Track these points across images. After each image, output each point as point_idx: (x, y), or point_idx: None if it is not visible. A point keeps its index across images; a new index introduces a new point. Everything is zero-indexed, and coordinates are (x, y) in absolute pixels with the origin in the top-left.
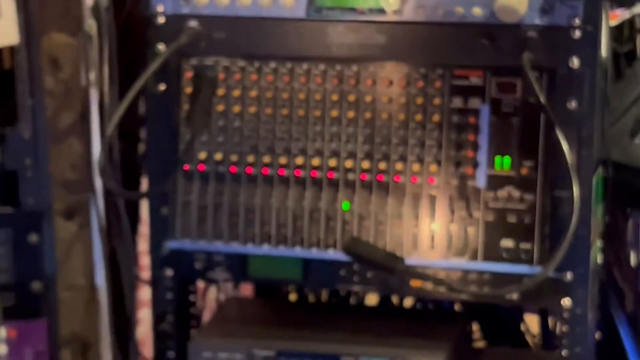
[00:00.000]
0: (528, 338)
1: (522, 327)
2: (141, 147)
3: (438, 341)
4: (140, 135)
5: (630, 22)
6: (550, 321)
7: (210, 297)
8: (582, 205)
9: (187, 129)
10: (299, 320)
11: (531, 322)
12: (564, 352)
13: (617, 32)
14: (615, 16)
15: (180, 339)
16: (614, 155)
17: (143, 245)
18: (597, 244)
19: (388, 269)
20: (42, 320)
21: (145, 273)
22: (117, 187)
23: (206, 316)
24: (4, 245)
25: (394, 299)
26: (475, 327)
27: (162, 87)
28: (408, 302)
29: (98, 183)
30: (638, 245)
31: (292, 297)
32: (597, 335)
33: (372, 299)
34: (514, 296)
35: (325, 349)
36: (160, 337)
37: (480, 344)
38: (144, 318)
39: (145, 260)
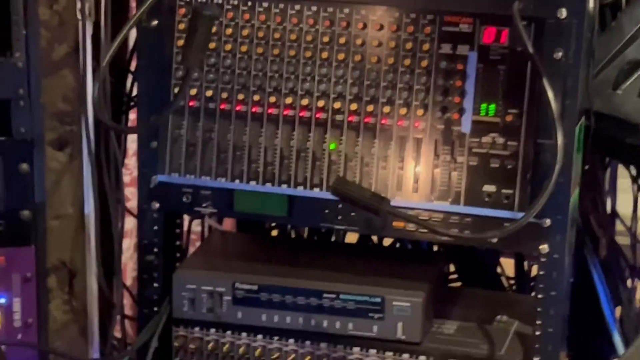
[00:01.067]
0: (503, 280)
1: (498, 270)
2: (129, 81)
3: (417, 281)
4: (128, 69)
5: None
6: (525, 265)
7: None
8: (564, 153)
9: (180, 65)
10: (281, 256)
11: (506, 266)
12: (539, 296)
13: None
14: None
15: (165, 270)
16: (596, 106)
17: (127, 177)
18: (576, 191)
19: (374, 209)
20: (30, 248)
21: (129, 204)
22: (111, 121)
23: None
24: None
25: (374, 238)
26: (451, 267)
27: (155, 22)
28: (387, 240)
29: (89, 115)
30: (614, 193)
31: (274, 233)
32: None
33: (352, 237)
34: (494, 240)
35: (307, 285)
36: (145, 268)
37: (456, 284)
38: (125, 248)
39: (128, 192)
